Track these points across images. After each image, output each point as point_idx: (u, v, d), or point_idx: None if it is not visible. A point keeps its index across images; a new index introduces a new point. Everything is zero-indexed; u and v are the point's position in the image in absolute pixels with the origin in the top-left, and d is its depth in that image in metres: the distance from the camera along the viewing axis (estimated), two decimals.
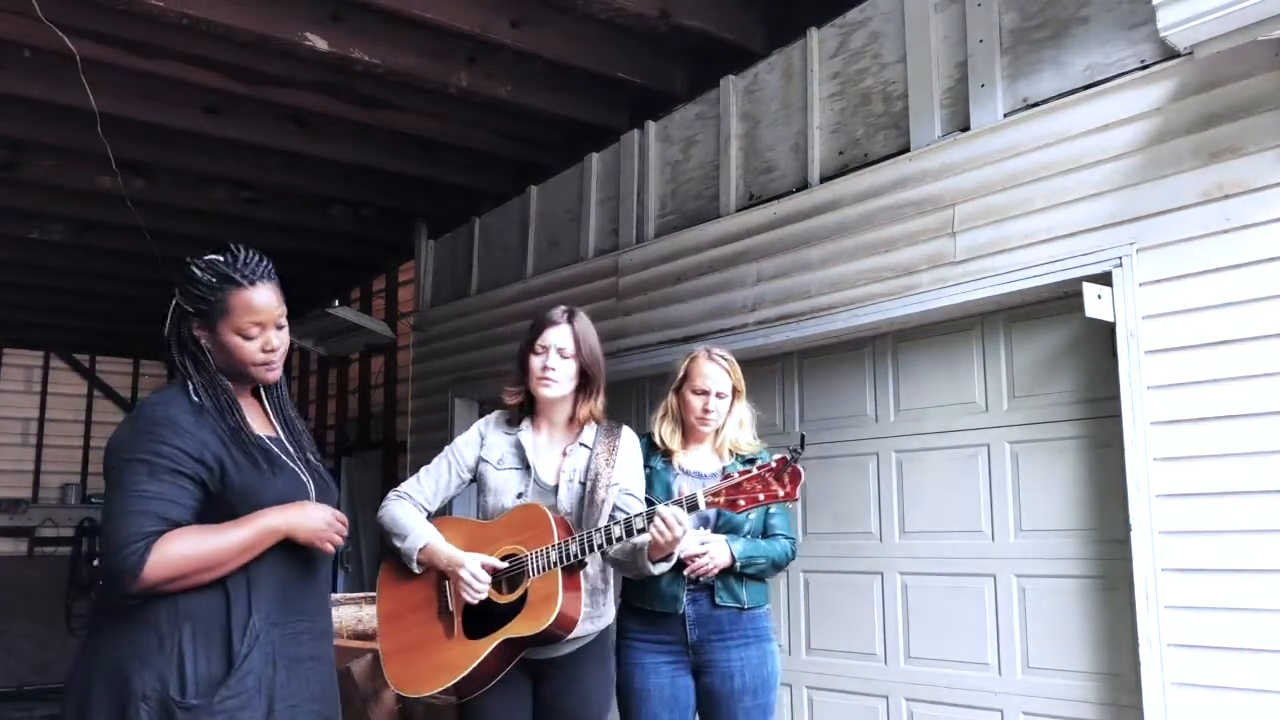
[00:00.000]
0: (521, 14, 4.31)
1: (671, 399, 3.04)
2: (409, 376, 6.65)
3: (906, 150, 3.80)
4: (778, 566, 2.97)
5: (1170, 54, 3.03)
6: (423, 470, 2.76)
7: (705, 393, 2.96)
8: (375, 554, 6.88)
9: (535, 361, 2.65)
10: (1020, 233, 3.39)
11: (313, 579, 2.04)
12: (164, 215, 6.14)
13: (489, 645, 2.46)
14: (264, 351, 1.98)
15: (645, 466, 2.85)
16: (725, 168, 4.56)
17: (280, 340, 2.00)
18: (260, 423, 2.04)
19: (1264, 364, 2.84)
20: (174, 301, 1.98)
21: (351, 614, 3.84)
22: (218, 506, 1.89)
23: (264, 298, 1.96)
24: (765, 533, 2.97)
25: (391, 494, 2.73)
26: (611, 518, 2.54)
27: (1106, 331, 3.21)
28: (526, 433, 2.71)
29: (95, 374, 9.94)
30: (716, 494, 2.42)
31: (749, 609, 2.90)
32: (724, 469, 2.93)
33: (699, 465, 2.99)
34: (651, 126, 4.99)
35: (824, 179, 4.11)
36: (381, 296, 7.87)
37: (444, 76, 4.57)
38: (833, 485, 4.14)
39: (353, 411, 8.22)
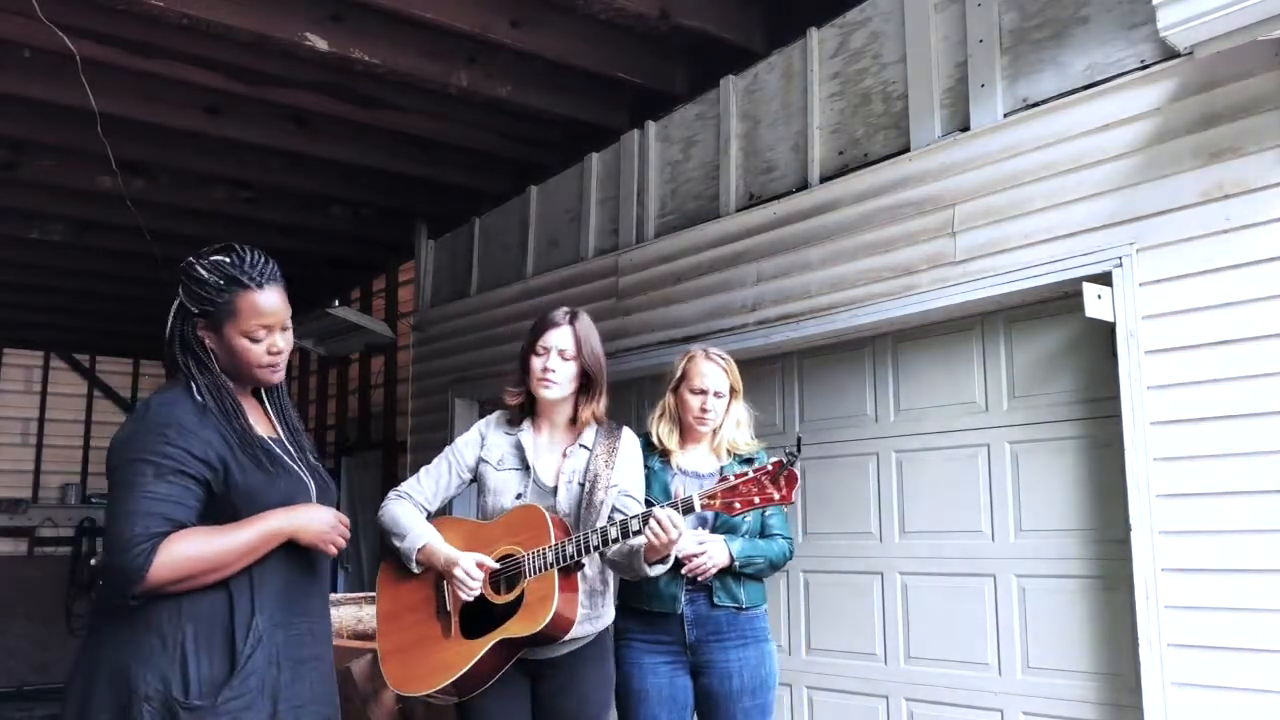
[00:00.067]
0: (521, 14, 4.31)
1: (669, 398, 3.04)
2: (409, 376, 6.65)
3: (906, 150, 3.80)
4: (775, 566, 2.97)
5: (1170, 54, 3.03)
6: (423, 470, 2.76)
7: (703, 392, 2.96)
8: (375, 554, 6.88)
9: (536, 362, 2.65)
10: (1020, 233, 3.39)
11: (315, 580, 2.04)
12: (164, 215, 6.14)
13: (485, 645, 2.46)
14: (270, 354, 1.98)
15: (643, 466, 2.84)
16: (725, 168, 4.56)
17: (286, 342, 2.00)
18: (261, 423, 2.04)
19: (1264, 364, 2.84)
20: (177, 301, 1.97)
21: (351, 614, 3.85)
22: (221, 507, 1.88)
23: (272, 301, 1.95)
24: (763, 532, 2.97)
25: (391, 494, 2.73)
26: (609, 519, 2.54)
27: (1106, 331, 3.21)
28: (527, 433, 2.71)
29: (95, 374, 9.94)
30: (712, 497, 2.42)
31: (747, 609, 2.89)
32: (721, 469, 2.93)
33: (696, 465, 2.99)
34: (651, 126, 4.99)
35: (824, 179, 4.11)
36: (381, 296, 7.87)
37: (444, 76, 4.57)
38: (833, 485, 4.14)
39: (353, 411, 8.22)
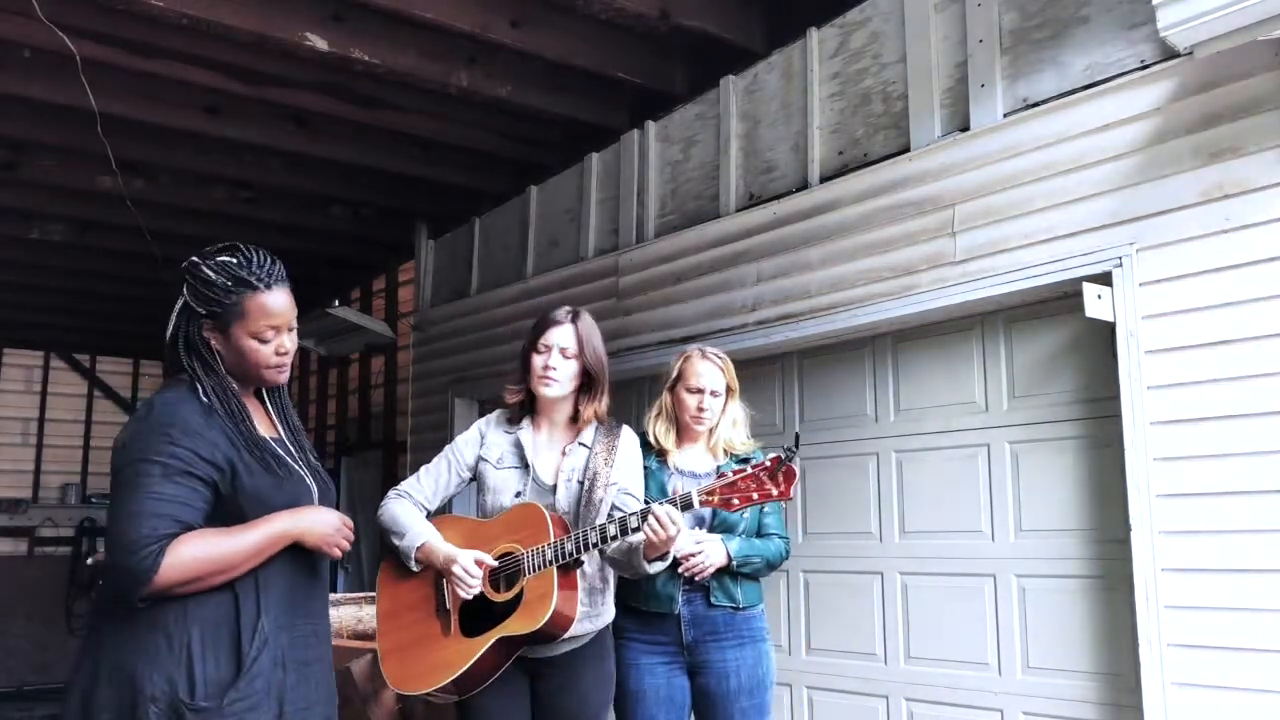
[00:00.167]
0: (521, 14, 4.31)
1: (666, 398, 3.04)
2: (409, 376, 6.65)
3: (906, 150, 3.80)
4: (772, 566, 2.97)
5: (1170, 54, 3.03)
6: (422, 469, 2.76)
7: (700, 391, 2.96)
8: (375, 554, 6.88)
9: (537, 360, 2.65)
10: (1020, 233, 3.39)
11: (317, 581, 2.04)
12: (164, 215, 6.14)
13: (485, 643, 2.46)
14: (278, 354, 1.98)
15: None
16: (725, 168, 4.56)
17: (292, 343, 2.00)
18: (263, 424, 2.04)
19: (1264, 364, 2.84)
20: (181, 302, 1.96)
21: (351, 614, 3.85)
22: (228, 508, 1.88)
23: (280, 302, 1.95)
24: (759, 532, 2.97)
25: (391, 493, 2.74)
26: (608, 516, 2.54)
27: (1106, 331, 3.21)
28: (526, 432, 2.72)
29: (95, 374, 9.94)
30: (711, 493, 2.41)
31: (744, 609, 2.89)
32: (718, 468, 2.93)
33: (693, 464, 2.99)
34: (651, 126, 4.99)
35: (824, 179, 4.11)
36: (381, 296, 7.88)
37: (444, 76, 4.57)
38: (833, 485, 4.14)
39: (353, 411, 8.22)
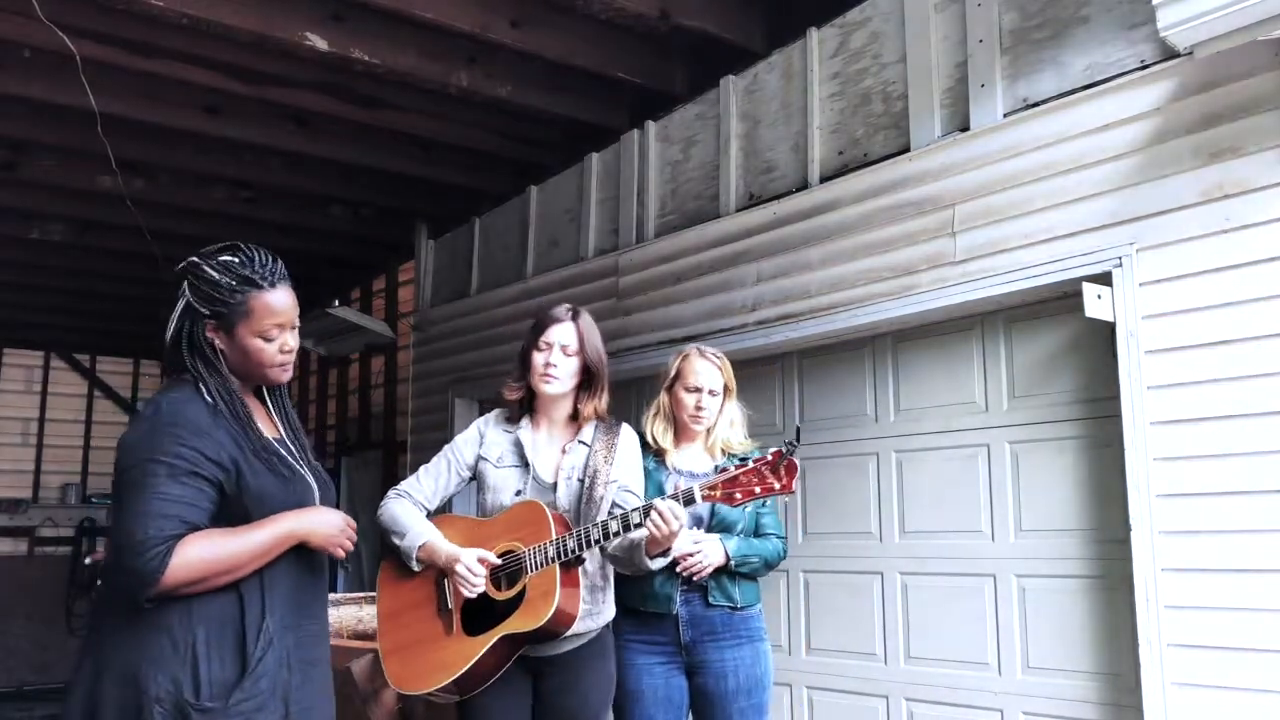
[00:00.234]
0: (521, 14, 4.31)
1: (663, 397, 3.04)
2: (409, 376, 6.65)
3: (906, 150, 3.80)
4: (769, 565, 2.97)
5: (1170, 54, 3.03)
6: (422, 469, 2.76)
7: (698, 390, 2.96)
8: (375, 554, 6.88)
9: (538, 358, 2.65)
10: (1020, 233, 3.39)
11: (320, 582, 2.05)
12: (164, 215, 6.14)
13: (487, 642, 2.46)
14: (282, 353, 1.98)
15: None
16: (725, 168, 4.56)
17: (295, 341, 2.01)
18: (264, 423, 2.04)
19: (1264, 364, 2.84)
20: (183, 302, 1.95)
21: (351, 614, 3.85)
22: (233, 509, 1.88)
23: (284, 300, 1.96)
24: (757, 532, 2.97)
25: (391, 492, 2.74)
26: (610, 513, 2.54)
27: (1106, 331, 3.21)
28: (525, 430, 2.72)
29: (95, 374, 9.94)
30: (713, 487, 2.41)
31: (742, 609, 2.89)
32: (716, 468, 2.93)
33: (691, 464, 2.99)
34: (651, 126, 4.99)
35: (824, 179, 4.11)
36: (381, 296, 7.88)
37: (444, 76, 4.58)
38: (833, 485, 4.14)
39: (353, 411, 8.22)
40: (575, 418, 2.72)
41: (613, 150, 5.21)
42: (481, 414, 2.87)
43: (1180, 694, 2.91)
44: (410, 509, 2.66)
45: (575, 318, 2.69)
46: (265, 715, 1.82)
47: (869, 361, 4.10)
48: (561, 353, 2.64)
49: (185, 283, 1.96)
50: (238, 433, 1.90)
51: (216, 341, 1.95)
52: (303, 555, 1.96)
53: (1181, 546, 2.95)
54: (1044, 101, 3.40)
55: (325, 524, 1.97)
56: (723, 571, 2.85)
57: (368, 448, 7.88)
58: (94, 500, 9.44)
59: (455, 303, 6.25)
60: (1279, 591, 2.77)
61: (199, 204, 6.13)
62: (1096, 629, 3.32)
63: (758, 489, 2.37)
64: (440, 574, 2.58)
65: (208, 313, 1.93)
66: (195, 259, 1.96)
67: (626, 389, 4.75)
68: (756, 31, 4.50)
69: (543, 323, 2.69)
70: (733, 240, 4.40)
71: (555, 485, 2.64)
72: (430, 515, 2.69)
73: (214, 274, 1.92)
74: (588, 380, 2.70)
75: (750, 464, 2.38)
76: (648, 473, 2.91)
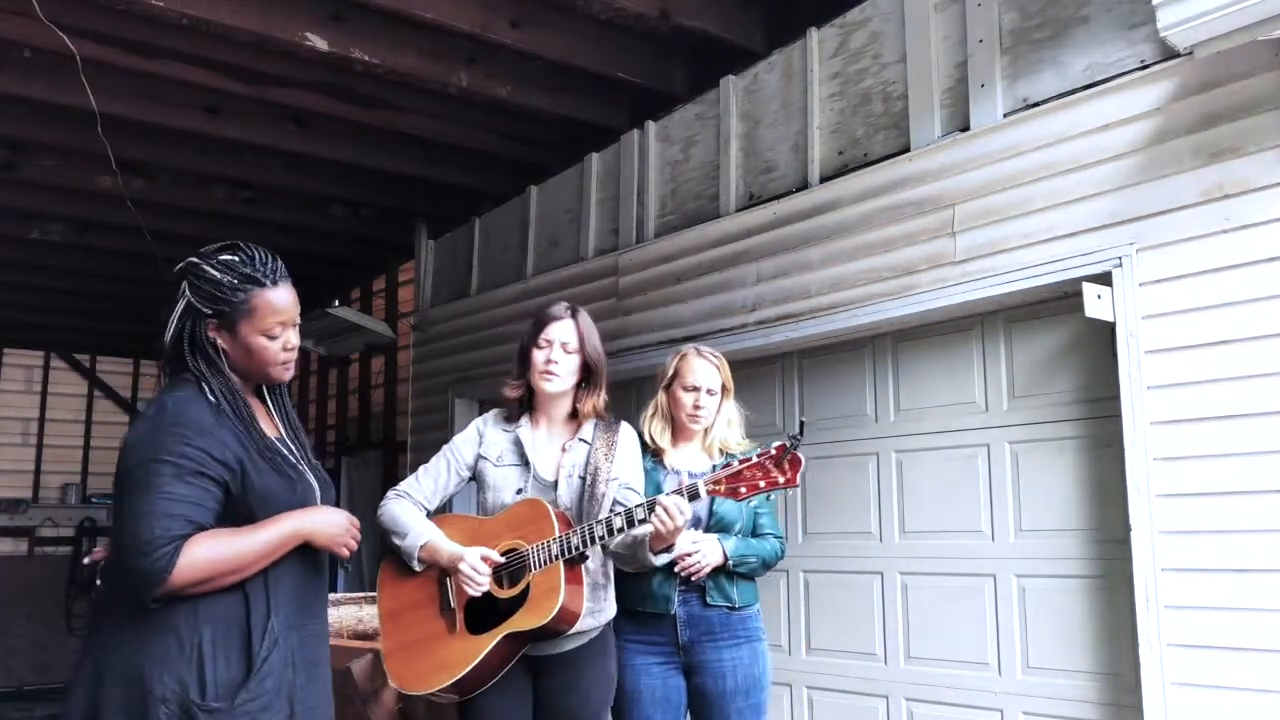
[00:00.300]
0: (521, 14, 4.31)
1: (661, 397, 3.03)
2: (409, 376, 6.66)
3: (906, 150, 3.80)
4: (767, 565, 2.97)
5: (1170, 54, 3.03)
6: (421, 469, 2.76)
7: (696, 389, 2.95)
8: (375, 554, 6.88)
9: (538, 356, 2.65)
10: (1020, 233, 3.39)
11: (322, 581, 2.05)
12: (164, 215, 6.14)
13: (491, 640, 2.46)
14: (285, 350, 1.98)
15: None
16: (725, 168, 4.56)
17: (297, 339, 2.01)
18: (265, 423, 2.04)
19: (1264, 364, 2.84)
20: (184, 302, 1.95)
21: (351, 614, 3.85)
22: (237, 509, 1.88)
23: (286, 297, 1.96)
24: (754, 532, 2.97)
25: (390, 493, 2.73)
26: (612, 509, 2.54)
27: (1106, 331, 3.21)
28: (525, 429, 2.72)
29: (95, 374, 9.94)
30: (717, 481, 2.40)
31: (740, 609, 2.89)
32: (714, 467, 2.93)
33: (689, 464, 2.98)
34: (651, 126, 4.99)
35: (824, 179, 4.12)
36: (381, 296, 7.88)
37: (444, 76, 4.58)
38: (833, 485, 4.14)
39: (353, 411, 8.22)
40: (574, 416, 2.72)
41: (613, 150, 5.21)
42: (481, 414, 2.87)
43: (1180, 694, 2.92)
44: (410, 509, 2.66)
45: (574, 315, 2.69)
46: (270, 715, 1.82)
47: (869, 361, 4.10)
48: (562, 350, 2.64)
49: (185, 283, 1.95)
50: (241, 432, 1.90)
51: (219, 341, 1.94)
52: (306, 555, 1.96)
53: (1181, 546, 2.95)
54: (1044, 101, 3.40)
55: (330, 523, 1.98)
56: (721, 571, 2.85)
57: (368, 448, 7.88)
58: (94, 500, 9.44)
59: (455, 303, 6.25)
60: (1279, 591, 2.77)
61: (199, 204, 6.13)
62: (1096, 629, 3.32)
63: (762, 483, 2.36)
64: (442, 573, 2.58)
65: (210, 312, 1.93)
66: (195, 259, 1.95)
67: (626, 389, 4.75)
68: (756, 31, 4.50)
69: (542, 320, 2.69)
70: (733, 240, 4.40)
71: (556, 483, 2.64)
72: (430, 515, 2.69)
73: (216, 273, 1.92)
74: (587, 378, 2.70)
75: (754, 458, 2.37)
76: (646, 472, 2.90)
